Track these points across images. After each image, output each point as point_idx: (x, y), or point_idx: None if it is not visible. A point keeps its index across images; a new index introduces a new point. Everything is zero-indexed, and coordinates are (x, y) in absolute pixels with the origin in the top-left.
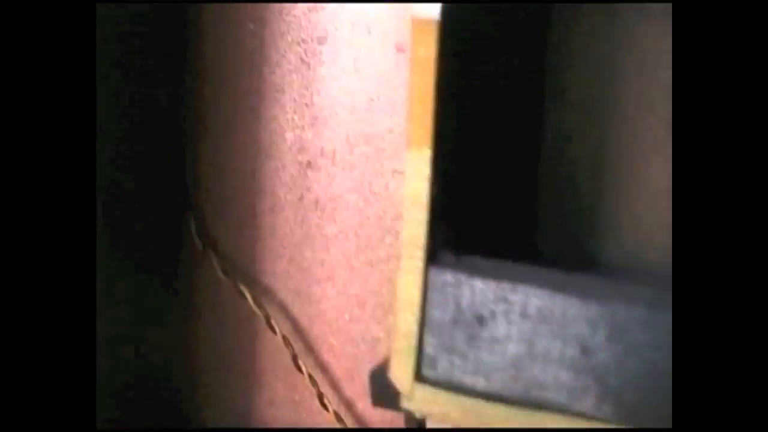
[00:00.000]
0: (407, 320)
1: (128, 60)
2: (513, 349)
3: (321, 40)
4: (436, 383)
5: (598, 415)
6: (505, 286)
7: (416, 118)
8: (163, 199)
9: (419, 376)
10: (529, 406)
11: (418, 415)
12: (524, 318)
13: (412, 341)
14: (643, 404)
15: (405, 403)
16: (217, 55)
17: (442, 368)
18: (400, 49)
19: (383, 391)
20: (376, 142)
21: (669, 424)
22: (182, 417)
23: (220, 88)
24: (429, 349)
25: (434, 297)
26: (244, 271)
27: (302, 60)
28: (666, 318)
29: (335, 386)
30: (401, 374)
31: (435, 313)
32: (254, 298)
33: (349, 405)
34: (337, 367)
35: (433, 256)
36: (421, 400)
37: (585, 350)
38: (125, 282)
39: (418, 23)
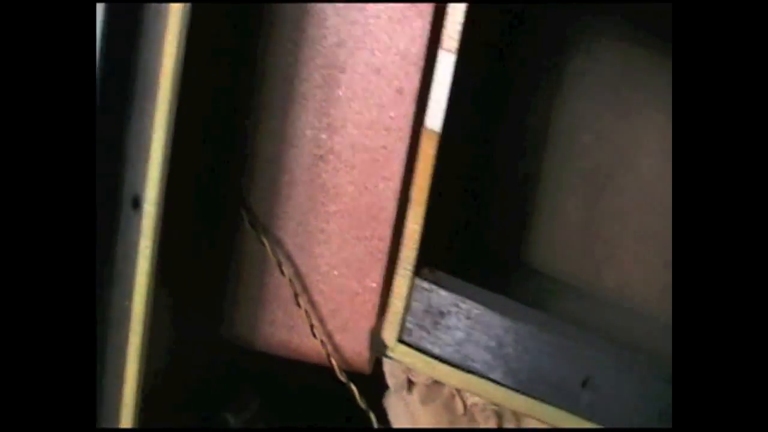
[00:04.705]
0: (397, 305)
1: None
2: (458, 335)
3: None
4: (410, 345)
5: (496, 378)
6: (458, 297)
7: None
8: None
9: (401, 340)
10: (463, 370)
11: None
12: (467, 318)
13: (399, 318)
14: (524, 374)
15: (389, 353)
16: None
17: (415, 338)
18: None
19: (378, 343)
20: (372, 153)
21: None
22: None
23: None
24: (408, 325)
25: (416, 294)
26: (265, 225)
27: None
28: (547, 337)
29: (321, 319)
30: (389, 336)
31: (415, 305)
32: (271, 248)
33: (330, 335)
34: (323, 306)
35: (417, 271)
36: (399, 354)
37: (499, 344)
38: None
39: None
